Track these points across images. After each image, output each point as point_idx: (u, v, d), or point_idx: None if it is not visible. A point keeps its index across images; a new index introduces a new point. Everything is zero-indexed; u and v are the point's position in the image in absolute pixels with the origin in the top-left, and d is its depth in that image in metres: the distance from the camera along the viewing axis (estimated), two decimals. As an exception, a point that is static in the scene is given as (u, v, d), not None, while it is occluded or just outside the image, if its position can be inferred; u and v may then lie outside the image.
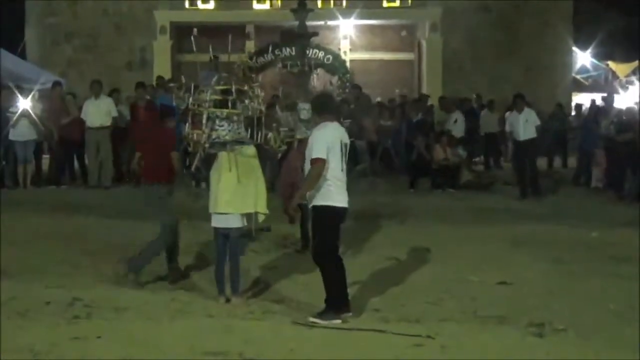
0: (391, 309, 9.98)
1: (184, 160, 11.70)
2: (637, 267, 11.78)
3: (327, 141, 9.36)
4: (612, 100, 24.57)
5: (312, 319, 9.19)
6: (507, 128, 20.47)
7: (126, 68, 32.33)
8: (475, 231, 14.93)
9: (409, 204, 18.20)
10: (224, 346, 8.09)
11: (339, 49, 31.62)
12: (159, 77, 24.76)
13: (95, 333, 8.44)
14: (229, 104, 10.04)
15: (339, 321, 9.21)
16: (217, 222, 10.08)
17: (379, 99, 27.66)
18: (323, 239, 9.48)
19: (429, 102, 26.33)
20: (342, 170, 9.49)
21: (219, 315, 9.50)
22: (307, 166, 9.45)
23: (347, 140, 9.66)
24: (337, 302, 9.35)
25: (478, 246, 13.62)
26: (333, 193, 9.40)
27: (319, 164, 9.33)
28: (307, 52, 24.98)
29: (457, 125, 23.09)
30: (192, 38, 11.34)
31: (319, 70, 25.95)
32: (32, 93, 20.89)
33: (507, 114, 20.96)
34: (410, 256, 12.89)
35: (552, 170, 24.46)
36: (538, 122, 19.83)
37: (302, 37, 25.17)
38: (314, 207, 9.46)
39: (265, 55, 25.28)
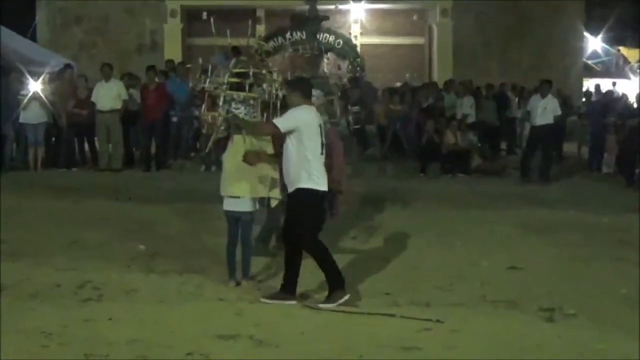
0: (401, 293, 9.97)
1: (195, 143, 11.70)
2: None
3: (302, 122, 9.23)
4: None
5: (322, 306, 9.18)
6: (527, 108, 20.42)
7: (136, 51, 32.32)
8: (486, 216, 14.93)
9: (419, 189, 18.20)
10: (235, 329, 8.10)
11: (350, 33, 31.58)
12: (169, 61, 24.74)
13: (105, 315, 8.46)
14: (246, 88, 10.02)
15: (347, 296, 9.20)
16: (228, 205, 10.07)
17: (398, 84, 27.57)
18: (312, 228, 9.40)
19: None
20: (321, 153, 9.40)
21: (230, 299, 9.50)
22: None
23: (321, 121, 9.56)
24: (339, 280, 9.33)
25: (488, 231, 13.63)
26: (315, 176, 9.28)
27: (272, 128, 9.28)
28: (318, 36, 24.94)
29: (470, 110, 23.07)
30: (210, 20, 11.24)
31: (329, 54, 25.91)
32: (42, 76, 20.91)
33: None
34: (420, 240, 12.88)
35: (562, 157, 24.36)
36: (558, 112, 19.80)
37: (312, 21, 25.11)
38: (298, 189, 9.28)
39: (275, 39, 25.23)
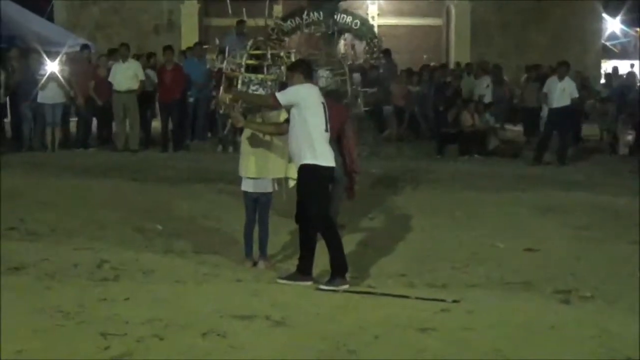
0: (417, 274, 10.00)
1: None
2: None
3: (302, 97, 9.26)
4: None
5: (322, 287, 9.20)
6: (544, 89, 20.32)
7: (154, 31, 32.31)
8: (503, 197, 14.90)
9: (436, 170, 18.19)
10: (251, 309, 8.11)
11: (367, 14, 31.49)
12: (191, 47, 24.54)
13: (122, 295, 8.48)
14: (264, 69, 10.03)
15: (347, 286, 9.21)
16: (247, 186, 10.09)
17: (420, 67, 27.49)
18: (321, 204, 9.41)
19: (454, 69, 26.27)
20: (325, 130, 9.41)
21: (246, 279, 9.53)
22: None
23: (323, 100, 9.57)
24: (343, 266, 9.35)
25: (505, 212, 13.61)
26: (319, 151, 9.29)
27: (274, 100, 9.34)
28: (335, 16, 24.91)
29: (487, 90, 23.04)
30: (227, 1, 11.28)
31: (346, 35, 25.89)
32: (60, 56, 20.95)
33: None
34: (436, 222, 12.89)
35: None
36: (576, 95, 19.74)
37: (330, 2, 25.08)
38: (302, 166, 9.29)
39: (293, 20, 25.20)
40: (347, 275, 9.32)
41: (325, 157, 9.34)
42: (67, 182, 15.30)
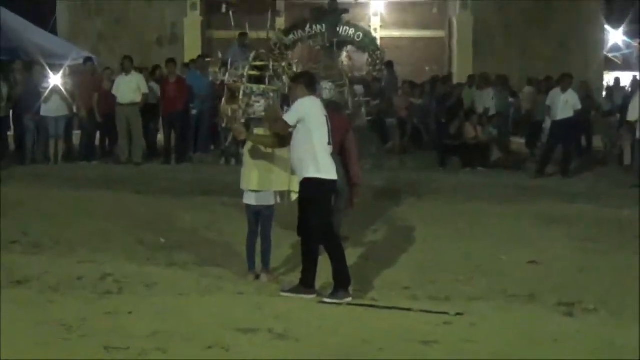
0: (420, 286, 9.99)
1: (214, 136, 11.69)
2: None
3: (307, 111, 9.28)
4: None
5: (326, 300, 9.19)
6: (547, 102, 20.29)
7: (157, 44, 32.36)
8: (506, 209, 14.90)
9: (439, 182, 18.20)
10: (254, 322, 8.11)
11: (370, 26, 31.51)
12: (194, 59, 24.56)
13: (126, 308, 8.49)
14: (266, 80, 10.05)
15: (350, 298, 9.20)
16: (249, 199, 10.09)
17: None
18: (324, 217, 9.40)
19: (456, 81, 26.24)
20: (328, 143, 9.42)
21: (249, 292, 9.53)
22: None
23: (325, 113, 9.58)
24: (346, 279, 9.33)
25: (508, 224, 13.61)
26: (322, 164, 9.30)
27: (284, 125, 9.36)
28: (338, 29, 24.93)
29: (491, 102, 23.01)
30: (230, 13, 11.33)
31: (349, 47, 25.91)
32: (63, 69, 21.00)
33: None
34: (439, 233, 12.89)
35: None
36: (579, 107, 19.72)
37: (332, 14, 25.10)
38: (305, 179, 9.31)
39: (295, 32, 25.23)
40: (350, 288, 9.32)
41: (328, 170, 9.35)
42: (70, 195, 15.32)
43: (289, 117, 9.32)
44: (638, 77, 26.48)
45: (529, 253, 11.50)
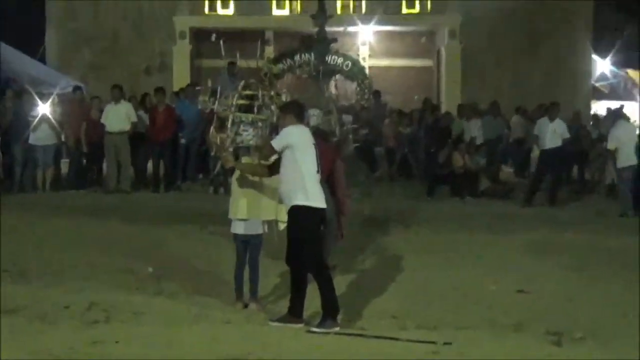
0: (408, 315, 9.98)
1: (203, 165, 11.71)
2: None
3: (294, 139, 9.31)
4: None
5: (314, 329, 9.17)
6: (535, 131, 20.34)
7: (145, 73, 32.42)
8: (494, 238, 14.91)
9: (427, 211, 18.20)
10: (242, 352, 8.09)
11: (358, 55, 31.64)
12: (184, 88, 24.54)
13: (113, 337, 8.45)
14: (255, 110, 10.07)
15: (338, 328, 9.17)
16: (237, 228, 10.10)
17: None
18: (313, 246, 9.38)
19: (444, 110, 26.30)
20: (317, 171, 9.45)
21: (237, 321, 9.50)
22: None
23: (314, 141, 9.60)
24: (334, 308, 9.32)
25: (497, 253, 13.62)
26: (311, 192, 9.31)
27: (271, 149, 9.40)
28: (327, 58, 25.02)
29: (479, 132, 23.05)
30: (220, 42, 11.35)
31: (337, 76, 25.99)
32: (52, 97, 21.01)
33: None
34: (428, 262, 12.88)
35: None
36: (567, 135, 19.76)
37: (321, 43, 25.19)
38: (293, 207, 9.31)
39: (284, 61, 25.32)
40: (339, 317, 9.31)
41: (316, 199, 9.36)
42: (59, 223, 15.27)
43: (276, 142, 9.35)
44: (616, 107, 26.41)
45: (518, 282, 11.51)
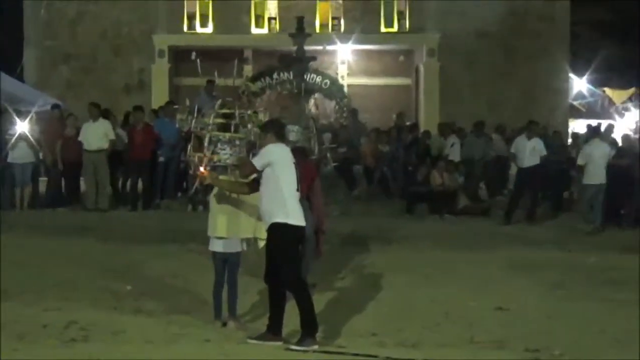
0: (388, 333, 9.98)
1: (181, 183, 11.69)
2: (635, 292, 11.85)
3: (275, 157, 9.35)
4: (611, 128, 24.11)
5: (293, 347, 9.15)
6: (512, 149, 20.41)
7: (124, 91, 32.35)
8: (473, 256, 14.95)
9: (406, 229, 18.21)
10: (221, 370, 8.09)
11: (337, 74, 31.66)
12: (162, 106, 24.52)
13: (91, 356, 8.42)
14: (232, 128, 10.08)
15: (317, 346, 9.17)
16: (215, 246, 10.09)
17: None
18: (291, 264, 9.40)
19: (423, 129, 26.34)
20: (297, 189, 9.49)
21: (216, 340, 9.48)
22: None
23: (294, 160, 9.64)
24: (313, 326, 9.30)
25: (476, 271, 13.64)
26: (291, 210, 9.35)
27: (251, 167, 9.46)
28: (305, 76, 25.01)
29: (453, 149, 23.08)
30: (197, 61, 11.35)
31: (316, 94, 25.98)
32: (30, 115, 20.93)
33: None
34: (407, 280, 12.88)
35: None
36: (544, 153, 19.81)
37: (300, 62, 25.19)
38: (273, 224, 9.33)
39: (262, 80, 25.30)
40: (318, 335, 9.30)
41: (296, 216, 9.37)
42: (37, 242, 15.22)
43: (257, 160, 9.39)
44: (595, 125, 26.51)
45: (497, 300, 11.53)
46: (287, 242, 9.36)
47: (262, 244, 10.06)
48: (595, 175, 18.85)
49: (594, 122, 30.53)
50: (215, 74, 11.72)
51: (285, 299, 9.48)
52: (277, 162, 9.32)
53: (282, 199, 9.28)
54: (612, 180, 19.46)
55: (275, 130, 9.62)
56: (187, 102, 10.63)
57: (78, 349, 8.78)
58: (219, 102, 10.38)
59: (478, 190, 23.36)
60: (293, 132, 13.13)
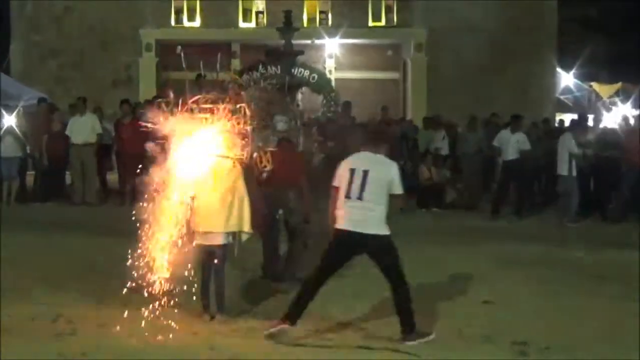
0: (376, 327, 9.98)
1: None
2: (622, 286, 11.96)
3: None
4: (586, 119, 24.09)
5: (408, 343, 9.24)
6: (496, 143, 20.40)
7: (112, 85, 32.31)
8: (460, 250, 14.96)
9: (394, 223, 18.17)
10: (209, 363, 8.09)
11: (324, 68, 31.67)
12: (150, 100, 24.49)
13: (79, 350, 8.43)
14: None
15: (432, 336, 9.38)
16: (201, 239, 10.09)
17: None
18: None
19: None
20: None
21: (204, 333, 9.49)
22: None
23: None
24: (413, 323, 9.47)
25: (463, 265, 13.65)
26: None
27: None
28: (293, 70, 24.99)
29: (442, 144, 23.09)
30: (181, 55, 11.35)
31: (304, 88, 25.96)
32: (16, 110, 20.89)
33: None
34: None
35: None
36: (528, 147, 19.82)
37: (288, 56, 25.17)
38: (386, 236, 9.85)
39: (250, 73, 25.25)
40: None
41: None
42: (24, 236, 15.18)
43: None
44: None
45: (484, 294, 11.56)
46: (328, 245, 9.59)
47: (245, 237, 10.11)
48: (560, 167, 19.02)
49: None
50: (201, 67, 11.71)
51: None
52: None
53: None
54: (598, 173, 19.56)
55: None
56: (172, 95, 10.60)
57: (66, 342, 8.78)
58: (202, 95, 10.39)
59: (471, 186, 23.37)
60: (281, 122, 13.14)
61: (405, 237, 16.29)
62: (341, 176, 9.54)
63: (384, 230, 9.61)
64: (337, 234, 9.48)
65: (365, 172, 9.48)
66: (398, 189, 9.56)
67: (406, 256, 14.16)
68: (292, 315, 9.36)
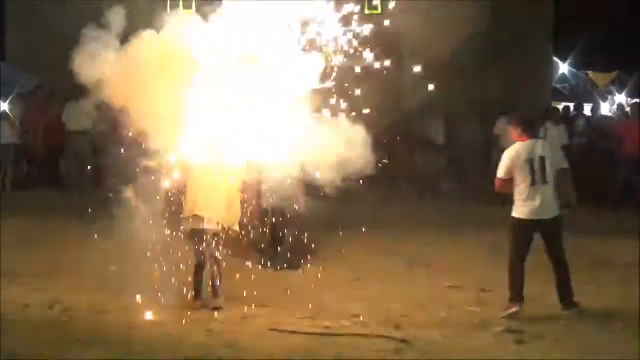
0: (371, 315, 10.00)
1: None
2: (614, 272, 12.23)
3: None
4: (582, 108, 24.07)
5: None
6: (495, 131, 20.40)
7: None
8: (457, 238, 14.95)
9: (390, 212, 18.20)
10: (204, 350, 8.10)
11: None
12: None
13: (75, 336, 8.43)
14: None
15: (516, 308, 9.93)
16: (193, 224, 10.10)
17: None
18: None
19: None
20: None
21: (199, 320, 9.50)
22: None
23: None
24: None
25: (459, 253, 13.67)
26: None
27: None
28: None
29: (437, 132, 23.06)
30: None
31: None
32: (11, 96, 20.83)
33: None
34: (391, 263, 12.92)
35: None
36: (566, 141, 19.80)
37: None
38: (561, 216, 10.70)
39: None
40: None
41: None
42: (19, 223, 15.17)
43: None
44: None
45: (480, 281, 11.58)
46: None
47: (234, 234, 10.19)
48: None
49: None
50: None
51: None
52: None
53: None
54: (593, 163, 19.57)
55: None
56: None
57: (61, 329, 8.79)
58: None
59: (468, 174, 23.37)
60: None
61: (400, 225, 16.46)
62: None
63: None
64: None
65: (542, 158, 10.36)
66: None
67: (401, 244, 14.27)
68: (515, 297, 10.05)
